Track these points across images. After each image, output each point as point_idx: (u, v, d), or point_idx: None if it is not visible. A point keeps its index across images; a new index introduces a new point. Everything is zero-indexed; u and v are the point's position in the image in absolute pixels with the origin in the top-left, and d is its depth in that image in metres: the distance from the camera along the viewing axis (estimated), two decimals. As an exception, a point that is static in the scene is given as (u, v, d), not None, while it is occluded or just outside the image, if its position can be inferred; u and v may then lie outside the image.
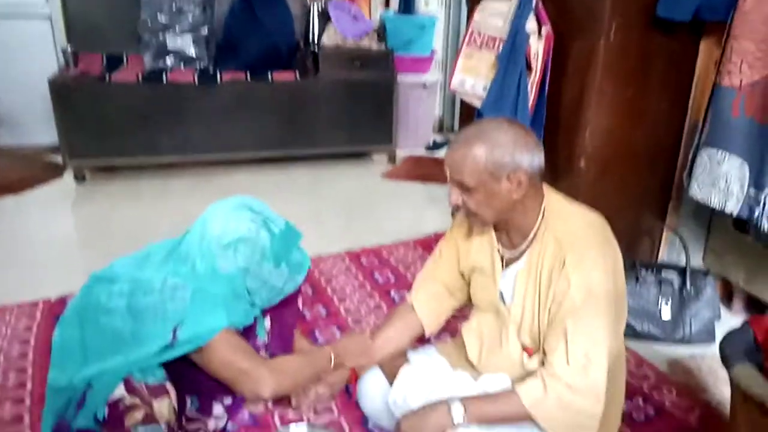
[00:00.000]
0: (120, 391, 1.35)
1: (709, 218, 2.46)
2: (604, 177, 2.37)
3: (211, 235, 1.48)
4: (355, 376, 1.72)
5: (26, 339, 2.15)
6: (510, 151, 1.33)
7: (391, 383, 1.59)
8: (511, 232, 1.47)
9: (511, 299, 1.48)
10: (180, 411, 1.49)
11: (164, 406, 1.37)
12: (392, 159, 4.32)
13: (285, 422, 1.74)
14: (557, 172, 2.48)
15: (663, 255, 2.53)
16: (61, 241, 3.08)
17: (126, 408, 1.34)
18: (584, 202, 2.37)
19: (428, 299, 1.71)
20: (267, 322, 1.71)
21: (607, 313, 1.33)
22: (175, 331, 1.37)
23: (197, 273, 1.46)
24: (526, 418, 1.34)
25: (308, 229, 3.19)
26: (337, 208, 3.58)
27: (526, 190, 1.37)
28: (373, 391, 1.69)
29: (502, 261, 1.50)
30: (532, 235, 1.43)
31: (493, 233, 1.52)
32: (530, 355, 1.46)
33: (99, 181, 3.85)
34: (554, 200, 1.45)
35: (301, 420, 1.76)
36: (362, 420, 1.77)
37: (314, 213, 3.45)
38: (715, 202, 1.99)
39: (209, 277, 1.45)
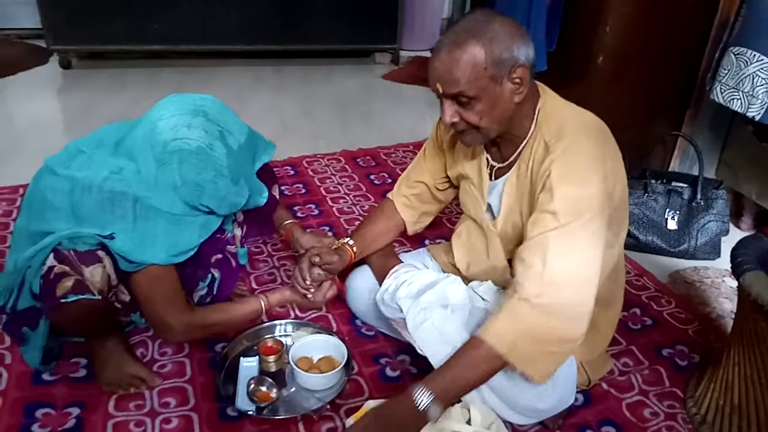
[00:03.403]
0: (50, 260, 1.27)
1: (726, 130, 2.33)
2: (621, 78, 2.22)
3: (157, 139, 1.31)
4: (341, 283, 1.65)
5: (5, 224, 2.09)
6: (508, 44, 1.14)
7: (380, 283, 1.53)
8: (502, 143, 1.31)
9: (498, 212, 1.37)
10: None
11: (96, 274, 1.28)
12: (395, 60, 4.11)
13: (271, 318, 1.70)
14: (571, 70, 2.32)
15: (674, 165, 2.41)
16: (45, 128, 2.98)
17: (56, 276, 1.26)
18: (598, 104, 2.22)
19: (410, 199, 1.62)
20: (239, 214, 1.62)
21: (594, 231, 1.16)
22: (112, 235, 1.29)
23: (142, 177, 1.32)
24: (500, 367, 1.18)
25: (301, 127, 3.17)
26: (333, 108, 3.42)
27: (527, 89, 1.20)
28: (361, 289, 1.65)
29: (492, 173, 1.37)
30: (523, 145, 1.27)
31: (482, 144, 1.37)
32: None
33: (85, 69, 3.70)
34: (550, 100, 1.27)
35: (287, 315, 1.71)
36: (349, 317, 1.72)
37: (307, 111, 3.31)
38: (737, 105, 1.85)
39: (153, 185, 1.31)
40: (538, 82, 1.28)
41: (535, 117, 1.25)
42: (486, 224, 1.41)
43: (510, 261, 1.36)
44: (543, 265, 1.14)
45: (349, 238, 1.59)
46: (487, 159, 1.37)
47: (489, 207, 1.40)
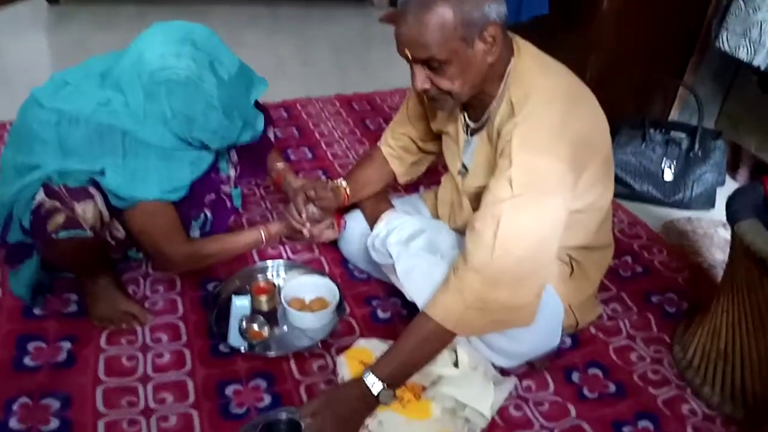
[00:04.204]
0: (40, 195, 1.25)
1: (729, 80, 2.29)
2: (624, 23, 2.16)
3: (144, 69, 1.27)
4: (339, 218, 1.63)
5: (-7, 161, 2.05)
6: (478, 2, 1.08)
7: (371, 227, 1.52)
8: (474, 104, 1.27)
9: (470, 171, 1.36)
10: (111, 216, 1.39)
11: (88, 210, 1.26)
12: (394, 2, 3.98)
13: (263, 258, 1.69)
14: (573, 14, 2.26)
15: (675, 115, 2.38)
16: (34, 64, 2.91)
17: (47, 212, 1.24)
18: (601, 50, 2.20)
19: (396, 150, 1.60)
20: (233, 154, 1.59)
21: (549, 204, 1.13)
22: (102, 171, 1.27)
23: (130, 109, 1.28)
24: (450, 339, 1.21)
25: (295, 69, 3.10)
26: (328, 51, 3.34)
27: (500, 47, 1.15)
28: (353, 233, 1.65)
29: (468, 131, 1.34)
30: (492, 105, 1.24)
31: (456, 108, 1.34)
32: None
33: (73, 4, 3.58)
34: (523, 60, 1.20)
35: (279, 257, 1.71)
36: (342, 260, 1.72)
37: (302, 54, 3.23)
38: (742, 53, 1.81)
39: (142, 118, 1.28)
40: (516, 37, 1.23)
41: (506, 77, 1.20)
42: (458, 181, 1.40)
43: None
44: (494, 236, 1.11)
45: (342, 180, 1.58)
46: (464, 117, 1.34)
47: (464, 165, 1.39)
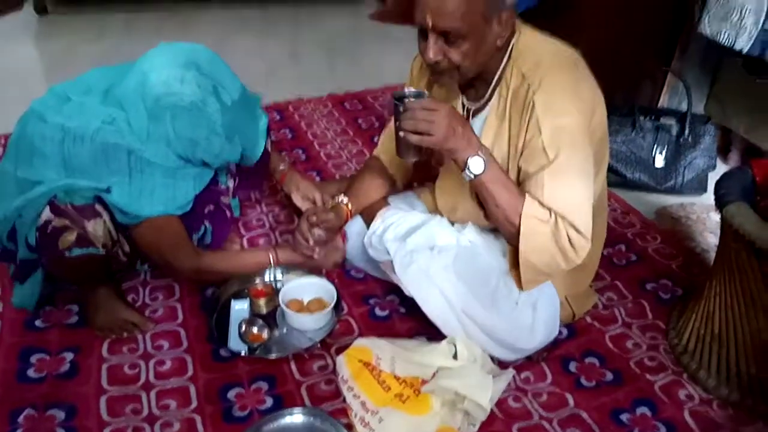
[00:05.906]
0: (46, 213, 1.27)
1: (716, 64, 2.30)
2: (610, 9, 2.16)
3: (149, 92, 1.29)
4: (343, 234, 1.65)
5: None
6: None
7: (368, 225, 1.53)
8: (477, 83, 1.31)
9: None
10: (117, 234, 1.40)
11: (98, 228, 1.28)
12: (383, -1, 3.98)
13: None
14: (560, 4, 2.27)
15: (664, 102, 2.39)
16: (24, 75, 2.91)
17: (55, 230, 1.26)
18: (588, 38, 2.20)
19: (393, 154, 1.59)
20: (232, 165, 1.60)
21: (580, 159, 1.22)
22: (108, 189, 1.29)
23: (133, 129, 1.30)
24: (509, 230, 1.28)
25: (287, 70, 3.10)
26: (319, 50, 3.34)
27: (509, 33, 1.21)
28: (349, 232, 1.65)
29: (468, 114, 1.36)
30: (496, 79, 1.27)
31: (456, 85, 1.36)
32: None
33: (62, 14, 3.59)
34: (524, 37, 1.26)
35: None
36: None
37: (293, 54, 3.24)
38: (724, 37, 1.82)
39: (145, 138, 1.30)
40: (517, 19, 1.27)
41: (508, 52, 1.26)
42: None
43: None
44: (543, 200, 1.22)
45: (343, 196, 1.58)
46: (463, 102, 1.36)
47: None
